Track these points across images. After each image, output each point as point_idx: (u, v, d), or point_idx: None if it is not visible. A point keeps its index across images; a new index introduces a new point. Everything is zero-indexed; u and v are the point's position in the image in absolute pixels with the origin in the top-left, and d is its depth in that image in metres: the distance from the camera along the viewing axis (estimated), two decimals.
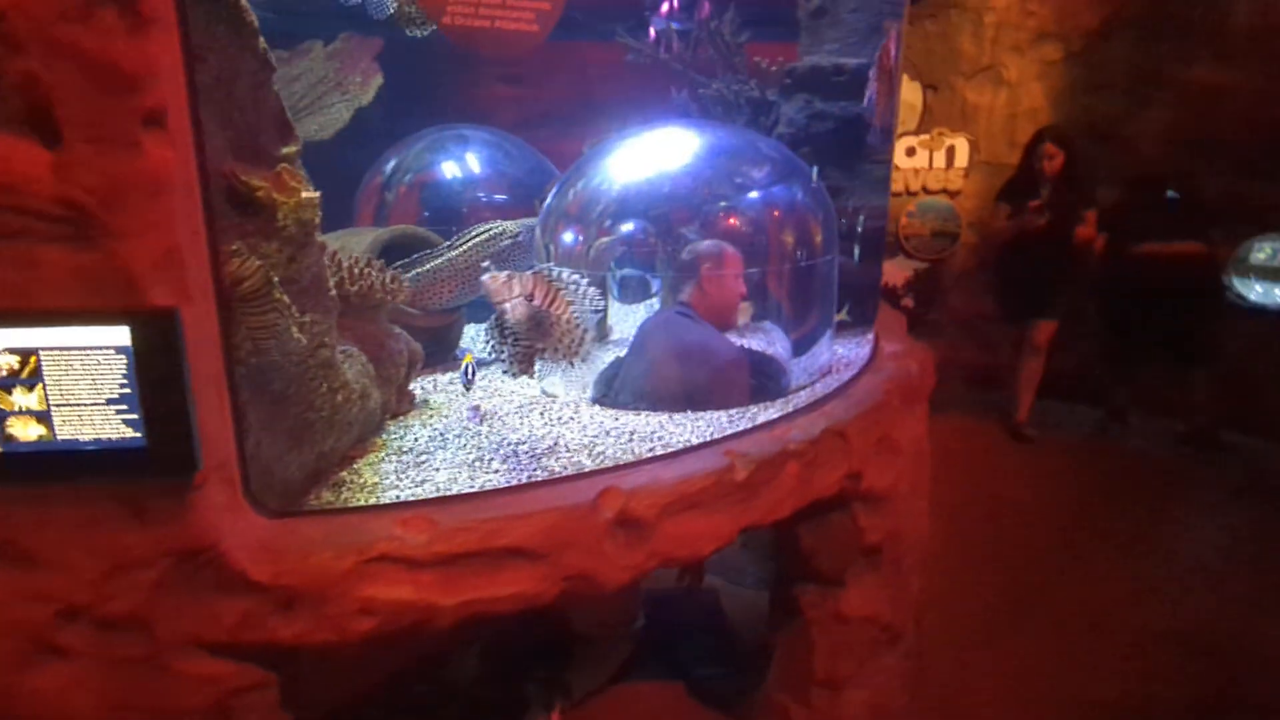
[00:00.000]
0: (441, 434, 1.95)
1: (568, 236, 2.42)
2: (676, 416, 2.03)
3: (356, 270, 2.02)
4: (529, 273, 1.86)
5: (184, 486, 1.24)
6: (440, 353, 2.82)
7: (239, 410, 1.36)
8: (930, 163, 5.22)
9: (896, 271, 5.44)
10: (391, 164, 3.64)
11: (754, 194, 2.36)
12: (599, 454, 1.79)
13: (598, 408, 2.17)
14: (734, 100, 3.46)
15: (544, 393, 2.31)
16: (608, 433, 1.94)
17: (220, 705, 1.35)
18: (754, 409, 2.05)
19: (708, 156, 2.41)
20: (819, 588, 2.11)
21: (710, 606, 2.88)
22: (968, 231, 5.24)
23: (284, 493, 1.55)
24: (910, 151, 5.24)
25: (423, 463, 1.78)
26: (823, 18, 3.36)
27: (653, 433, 1.92)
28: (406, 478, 1.71)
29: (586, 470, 1.65)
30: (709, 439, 1.84)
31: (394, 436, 1.95)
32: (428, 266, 2.65)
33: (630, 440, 1.87)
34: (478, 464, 1.76)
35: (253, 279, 1.36)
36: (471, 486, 1.65)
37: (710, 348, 2.15)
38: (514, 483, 1.65)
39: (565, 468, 1.73)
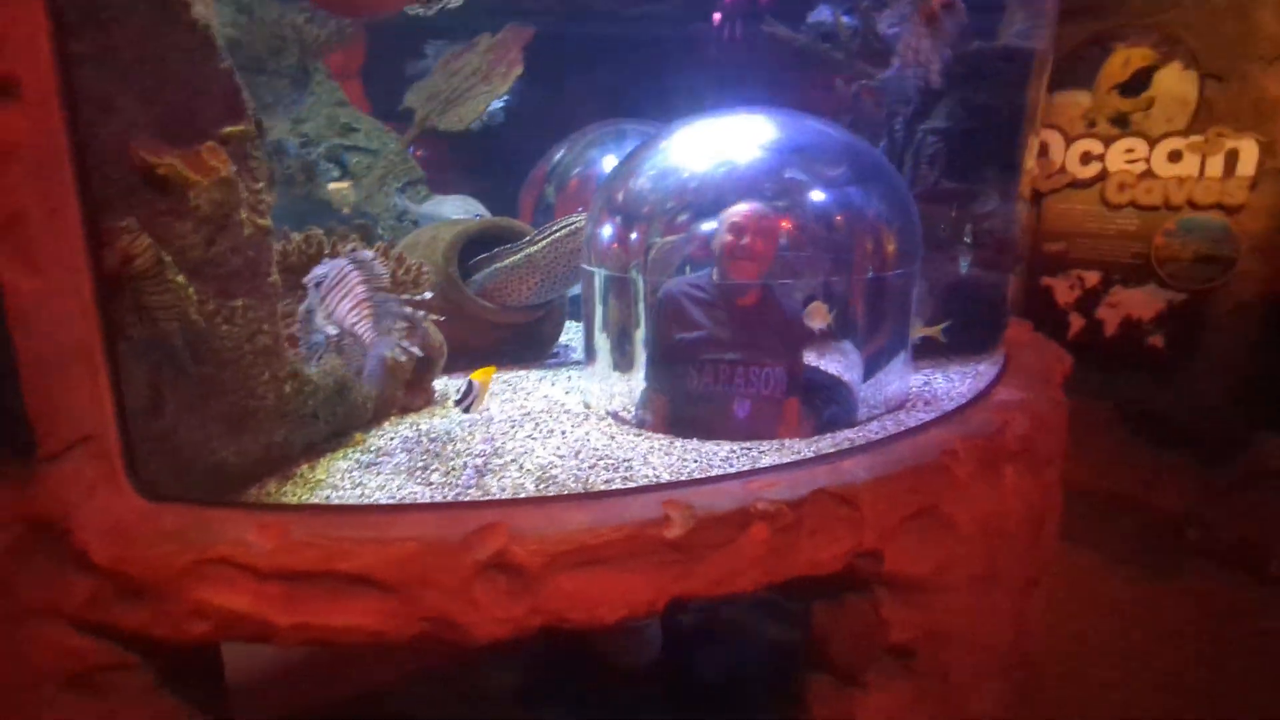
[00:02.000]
0: (421, 436, 1.84)
1: (629, 233, 2.19)
2: (696, 445, 1.76)
3: (370, 261, 1.98)
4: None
5: (32, 456, 1.23)
6: (535, 350, 2.74)
7: (120, 387, 1.34)
8: (1201, 171, 4.17)
9: (1145, 302, 4.43)
10: (558, 157, 3.64)
11: (816, 195, 1.97)
12: (549, 479, 1.57)
13: (613, 423, 1.94)
14: (901, 93, 2.97)
15: (584, 404, 2.12)
16: (576, 453, 1.70)
17: (83, 678, 1.34)
18: (801, 444, 1.72)
19: (774, 150, 2.05)
20: (833, 683, 1.69)
21: None
22: (1249, 258, 4.11)
23: (214, 479, 1.53)
24: (1174, 156, 4.23)
25: (374, 465, 1.68)
26: None
27: (626, 460, 1.66)
28: (349, 479, 1.62)
29: (486, 499, 1.44)
30: (673, 480, 1.53)
31: (379, 434, 1.87)
32: (506, 262, 2.57)
33: (591, 468, 1.62)
34: (418, 472, 1.63)
35: (143, 257, 1.34)
36: (388, 497, 1.51)
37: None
38: (430, 499, 1.49)
39: (501, 490, 1.53)
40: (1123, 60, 4.40)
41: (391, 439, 1.82)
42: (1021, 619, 1.88)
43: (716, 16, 2.89)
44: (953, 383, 2.18)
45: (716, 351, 1.92)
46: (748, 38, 3.08)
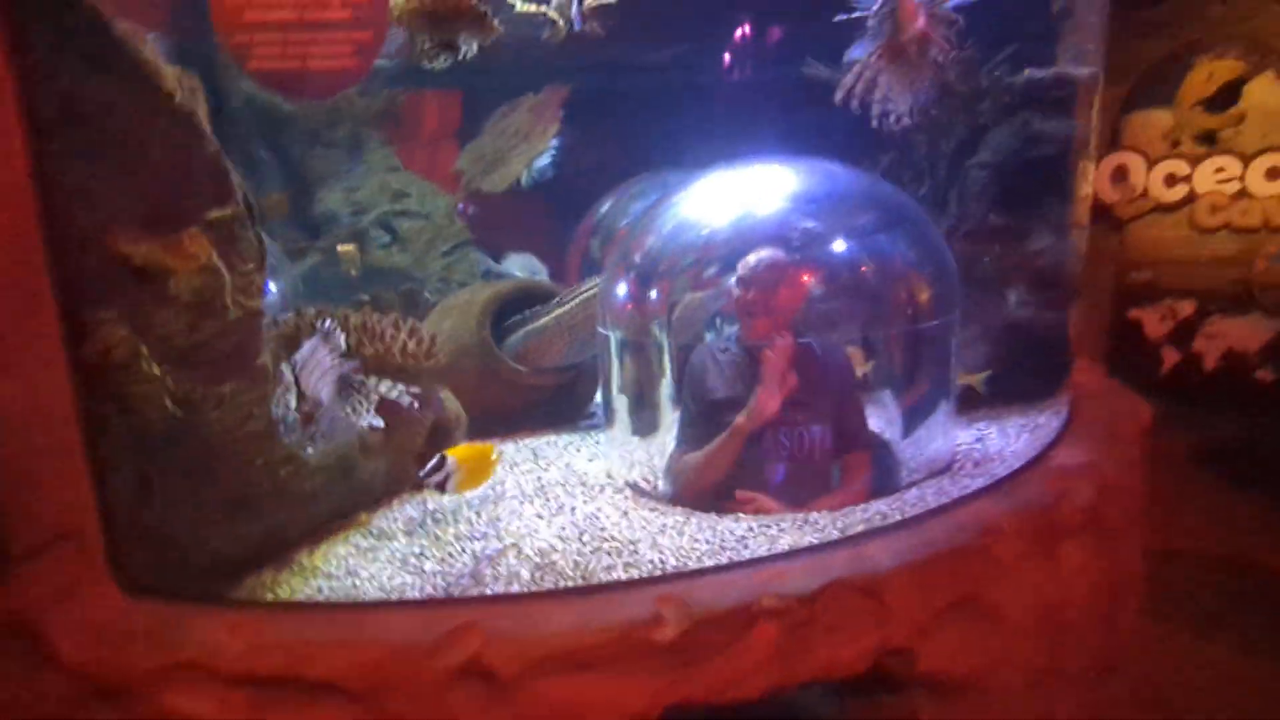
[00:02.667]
0: (426, 516, 1.77)
1: (646, 292, 2.09)
2: (713, 521, 1.64)
3: (378, 331, 1.94)
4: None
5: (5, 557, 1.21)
6: (569, 411, 2.66)
7: (103, 480, 1.32)
8: None
9: (1249, 333, 4.03)
10: (604, 210, 3.62)
11: (839, 245, 1.83)
12: (547, 566, 1.47)
13: (630, 496, 1.83)
14: (944, 125, 2.80)
15: (607, 473, 2.02)
16: (581, 534, 1.60)
17: None
18: (826, 518, 1.58)
19: (793, 199, 1.93)
20: None
21: None
22: None
23: (207, 569, 1.50)
24: (1273, 173, 3.87)
25: (372, 550, 1.62)
26: (1066, 19, 2.59)
27: (633, 543, 1.54)
28: (344, 566, 1.56)
29: (466, 596, 1.34)
30: (676, 569, 1.40)
31: (386, 513, 1.81)
32: (537, 324, 2.52)
33: (594, 552, 1.51)
34: (412, 560, 1.55)
35: (120, 349, 1.32)
36: (378, 588, 1.44)
37: None
38: (422, 594, 1.41)
39: (495, 579, 1.44)
40: (1206, 74, 4.08)
41: (396, 520, 1.76)
42: (1094, 712, 1.65)
43: (726, 58, 2.79)
44: (1008, 439, 1.98)
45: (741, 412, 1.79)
46: (765, 79, 2.96)
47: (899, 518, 1.55)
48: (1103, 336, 4.33)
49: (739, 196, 2.03)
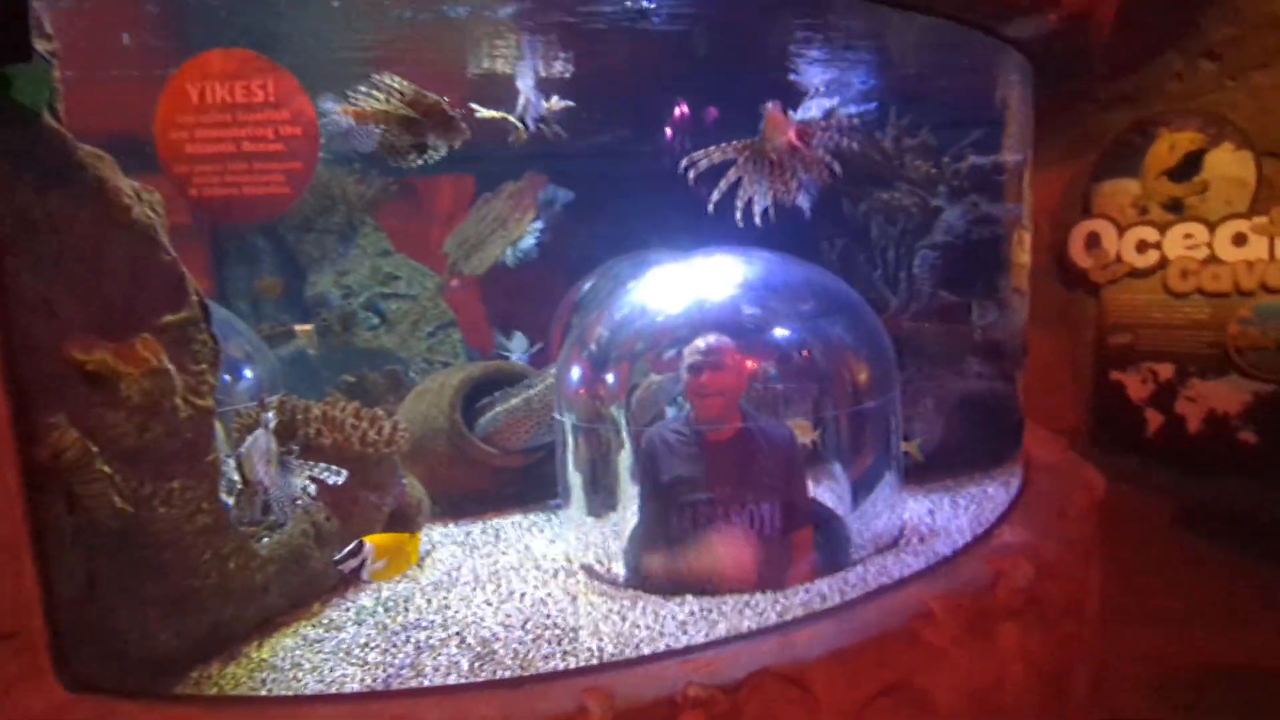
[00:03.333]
0: (379, 605, 1.79)
1: (600, 377, 2.14)
2: (657, 605, 1.66)
3: (338, 422, 2.00)
4: None
5: None
6: (537, 492, 2.70)
7: (49, 578, 1.36)
8: (1272, 253, 3.85)
9: (1229, 395, 4.04)
10: (586, 287, 3.70)
11: (783, 330, 1.90)
12: (487, 655, 1.49)
13: (582, 580, 1.85)
14: (899, 209, 2.90)
15: (566, 556, 2.05)
16: (525, 622, 1.62)
17: None
18: (766, 600, 1.60)
19: (742, 288, 2.01)
20: None
21: None
22: None
23: (152, 664, 1.52)
24: (1239, 239, 3.93)
25: (319, 642, 1.64)
26: (1005, 110, 2.71)
27: (574, 630, 1.56)
28: (290, 659, 1.58)
29: (394, 690, 1.36)
30: (612, 658, 1.42)
31: (339, 603, 1.83)
32: (504, 406, 2.58)
33: (535, 640, 1.53)
34: (357, 650, 1.57)
35: (72, 450, 1.38)
36: (317, 681, 1.46)
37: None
38: (360, 681, 1.43)
39: (435, 668, 1.46)
40: (1168, 146, 4.18)
41: (348, 609, 1.78)
42: None
43: (669, 133, 2.89)
44: (958, 512, 2.00)
45: (691, 492, 1.82)
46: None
47: (838, 599, 1.56)
48: (1085, 400, 4.35)
49: (687, 286, 2.11)
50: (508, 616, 1.65)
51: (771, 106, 1.99)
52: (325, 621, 1.72)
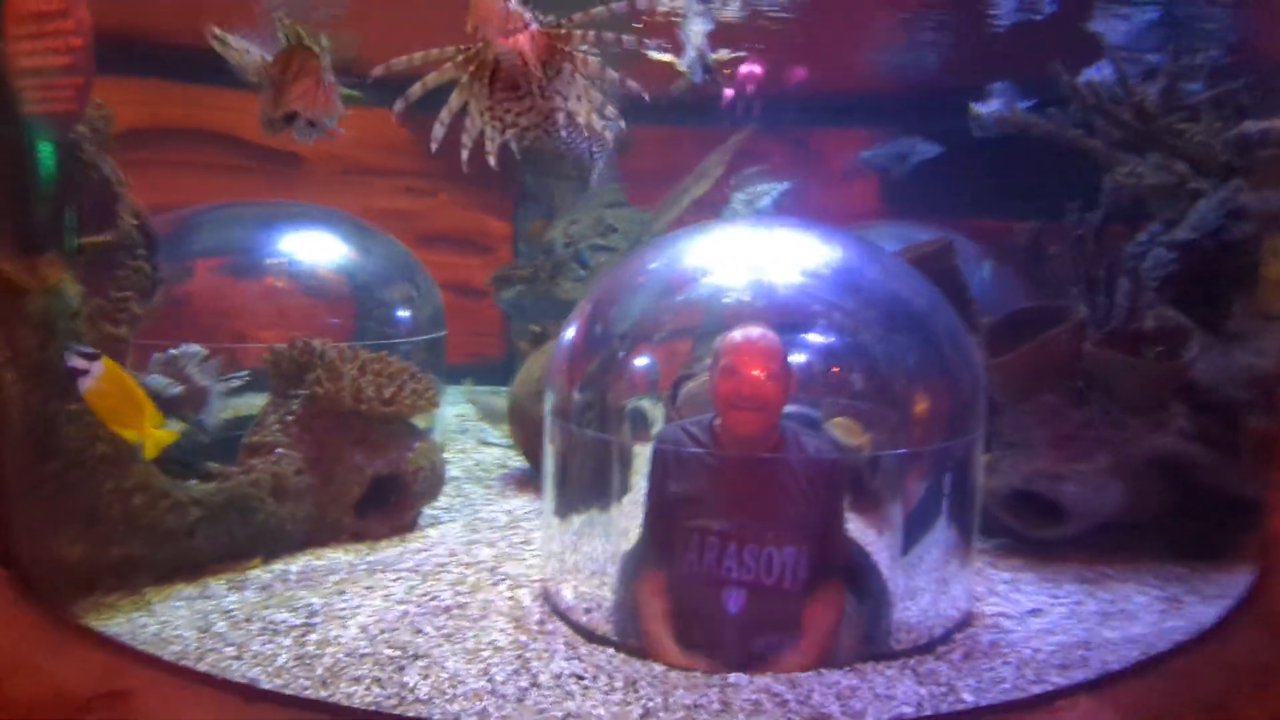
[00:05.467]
0: (295, 575, 1.63)
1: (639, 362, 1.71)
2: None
3: (338, 372, 1.84)
4: None
5: None
6: None
7: None
8: None
9: None
10: None
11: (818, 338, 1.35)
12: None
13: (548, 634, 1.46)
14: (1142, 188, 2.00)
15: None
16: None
17: None
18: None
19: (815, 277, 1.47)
20: None
21: None
22: None
23: (60, 577, 1.51)
24: None
25: (201, 602, 1.51)
26: None
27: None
28: (157, 615, 1.46)
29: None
30: None
31: (285, 563, 1.69)
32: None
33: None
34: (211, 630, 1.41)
35: None
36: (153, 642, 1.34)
37: None
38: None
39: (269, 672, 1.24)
40: None
41: (271, 574, 1.64)
42: None
43: (728, 93, 2.31)
44: (1082, 613, 1.31)
45: (704, 517, 1.37)
46: None
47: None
48: None
49: (738, 261, 1.61)
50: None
51: None
52: (239, 581, 1.59)
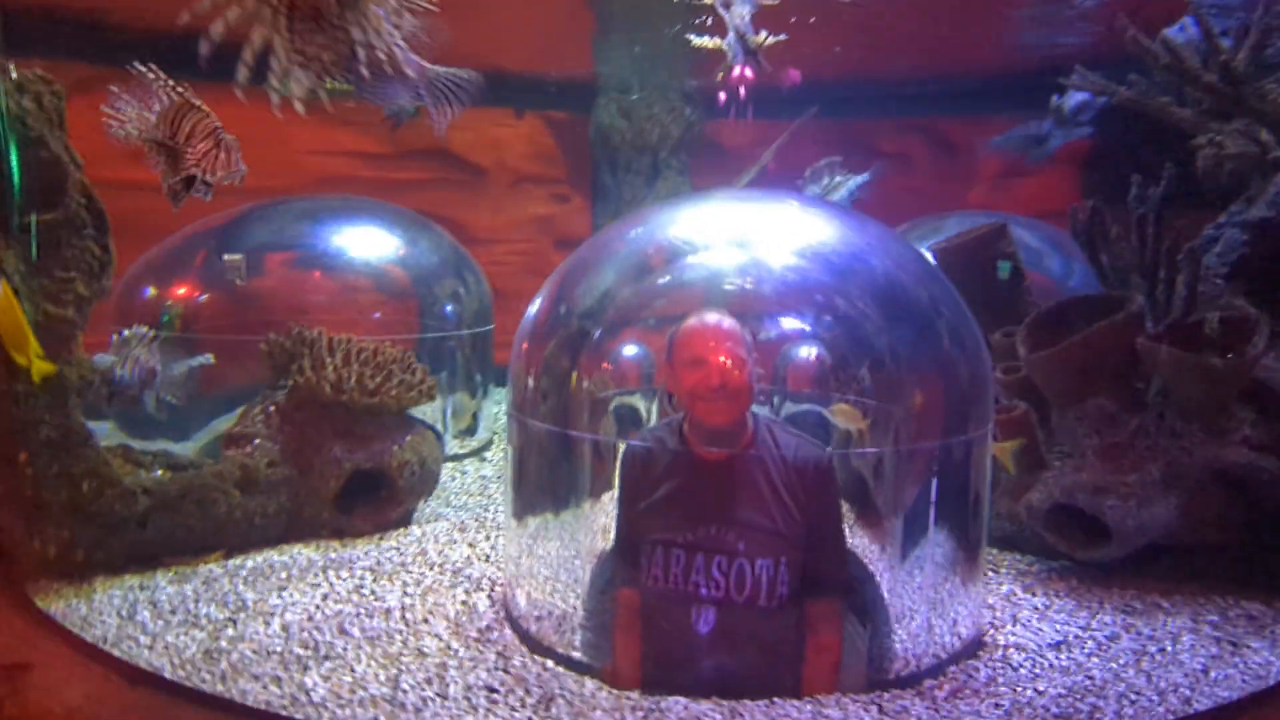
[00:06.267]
0: (255, 581, 1.52)
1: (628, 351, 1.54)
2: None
3: (320, 362, 1.75)
4: None
5: None
6: None
7: None
8: None
9: None
10: None
11: (803, 324, 1.16)
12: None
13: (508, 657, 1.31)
14: (1221, 157, 1.71)
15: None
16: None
17: None
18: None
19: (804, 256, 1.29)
20: None
21: None
22: None
23: (11, 559, 1.47)
24: None
25: (142, 593, 1.43)
26: None
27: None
28: (96, 608, 1.38)
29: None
30: None
31: (246, 559, 1.60)
32: None
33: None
34: (146, 623, 1.32)
35: None
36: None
37: None
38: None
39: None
40: None
41: (224, 569, 1.55)
42: None
43: (721, 96, 2.22)
44: (1111, 649, 1.06)
45: (670, 529, 1.20)
46: None
47: None
48: None
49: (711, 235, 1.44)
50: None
51: None
52: (192, 576, 1.51)
